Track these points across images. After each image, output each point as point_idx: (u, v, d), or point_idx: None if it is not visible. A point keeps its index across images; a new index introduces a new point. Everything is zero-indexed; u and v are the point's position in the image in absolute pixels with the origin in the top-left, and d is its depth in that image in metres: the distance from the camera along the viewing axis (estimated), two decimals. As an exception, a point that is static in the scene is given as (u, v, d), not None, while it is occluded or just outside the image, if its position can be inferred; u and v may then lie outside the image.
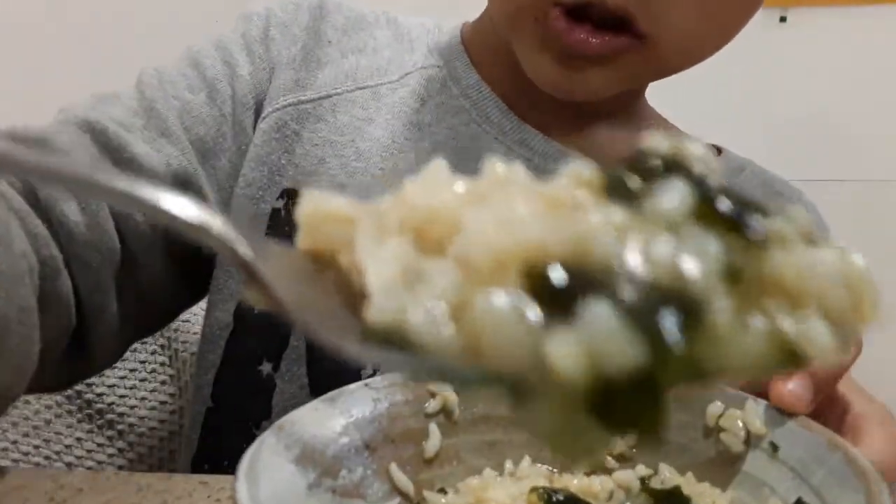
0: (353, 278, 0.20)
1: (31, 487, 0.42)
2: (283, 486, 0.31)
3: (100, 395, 0.83)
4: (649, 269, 0.17)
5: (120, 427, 0.81)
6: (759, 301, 0.18)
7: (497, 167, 0.21)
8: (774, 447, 0.34)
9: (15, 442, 0.74)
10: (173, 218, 0.20)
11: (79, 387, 0.83)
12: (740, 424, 0.35)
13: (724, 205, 0.19)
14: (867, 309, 0.19)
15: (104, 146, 0.53)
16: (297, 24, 0.63)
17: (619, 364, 0.16)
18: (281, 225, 0.58)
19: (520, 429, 0.36)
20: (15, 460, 0.79)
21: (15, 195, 0.46)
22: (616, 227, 0.18)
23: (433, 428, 0.37)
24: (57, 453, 0.81)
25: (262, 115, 0.60)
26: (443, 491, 0.36)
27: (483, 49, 0.62)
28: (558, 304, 0.17)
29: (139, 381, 0.81)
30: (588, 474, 0.36)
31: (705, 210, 0.19)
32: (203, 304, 0.63)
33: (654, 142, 0.21)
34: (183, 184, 0.56)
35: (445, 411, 0.37)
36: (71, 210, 0.49)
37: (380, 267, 0.19)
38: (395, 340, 0.18)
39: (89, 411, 0.83)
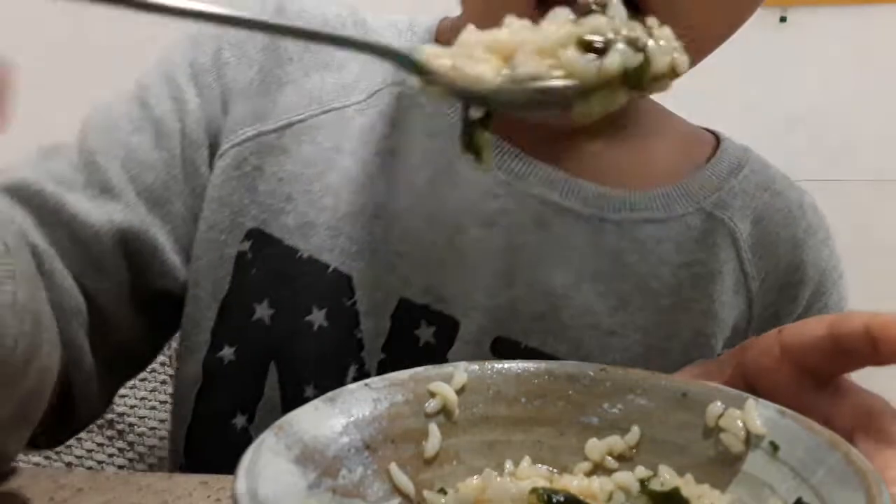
0: None
1: (31, 487, 0.42)
2: (283, 486, 0.31)
3: (100, 394, 0.83)
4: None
5: (120, 427, 0.81)
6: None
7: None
8: (774, 447, 0.34)
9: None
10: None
11: (79, 387, 0.83)
12: (740, 424, 0.35)
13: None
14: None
15: (39, 208, 0.50)
16: (253, 42, 0.57)
17: (630, 63, 0.32)
18: (247, 268, 0.54)
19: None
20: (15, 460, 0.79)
21: None
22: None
23: (433, 428, 0.37)
24: (57, 453, 0.81)
25: (219, 151, 0.55)
26: (443, 491, 0.36)
27: None
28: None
29: (139, 380, 0.81)
30: (588, 475, 0.37)
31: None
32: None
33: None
34: (129, 240, 0.52)
35: (445, 411, 0.37)
36: None
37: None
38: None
39: (89, 411, 0.83)
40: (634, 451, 0.37)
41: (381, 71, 0.57)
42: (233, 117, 0.56)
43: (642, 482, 0.35)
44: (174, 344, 0.70)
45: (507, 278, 0.53)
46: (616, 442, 0.37)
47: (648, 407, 0.38)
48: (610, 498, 0.35)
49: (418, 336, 0.53)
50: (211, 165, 0.56)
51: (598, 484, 0.35)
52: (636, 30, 0.33)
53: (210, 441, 0.55)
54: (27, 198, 0.50)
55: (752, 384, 0.39)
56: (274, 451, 0.32)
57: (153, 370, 0.82)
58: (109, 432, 0.83)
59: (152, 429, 0.81)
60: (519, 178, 0.54)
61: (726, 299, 0.56)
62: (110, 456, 0.82)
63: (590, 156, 0.57)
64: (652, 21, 0.35)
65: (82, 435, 0.81)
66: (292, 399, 0.51)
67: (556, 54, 0.32)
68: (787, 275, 0.58)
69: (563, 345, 0.53)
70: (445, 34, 0.58)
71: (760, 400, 0.36)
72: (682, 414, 0.37)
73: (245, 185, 0.55)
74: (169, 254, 0.54)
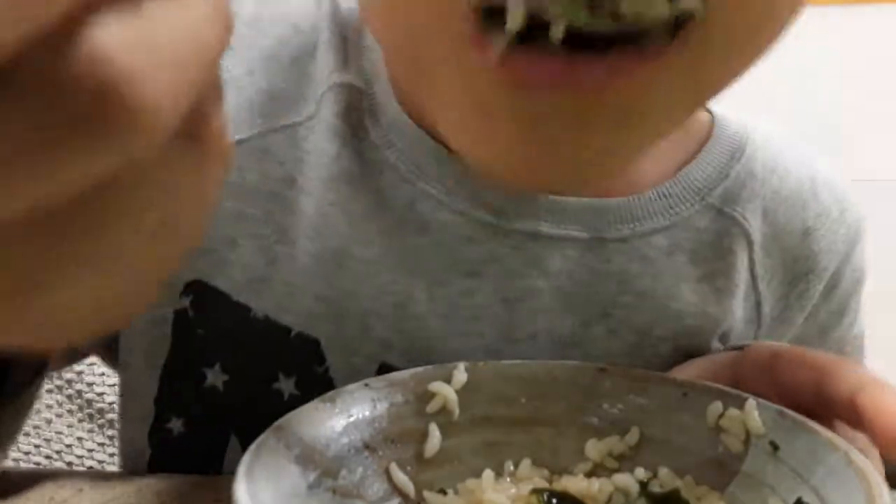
0: None
1: (31, 487, 0.42)
2: (283, 486, 0.31)
3: (100, 394, 0.83)
4: None
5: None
6: None
7: None
8: (774, 447, 0.34)
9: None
10: None
11: (79, 386, 0.83)
12: (740, 424, 0.35)
13: None
14: None
15: None
16: None
17: None
18: (191, 329, 0.45)
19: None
20: (15, 460, 0.79)
21: None
22: None
23: (433, 428, 0.37)
24: (57, 453, 0.81)
25: None
26: (443, 491, 0.36)
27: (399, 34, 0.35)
28: None
29: (139, 380, 0.81)
30: (588, 475, 0.37)
31: None
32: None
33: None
34: None
35: (445, 411, 0.37)
36: None
37: None
38: None
39: (90, 411, 0.83)
40: (634, 451, 0.37)
41: (325, 68, 0.46)
42: None
43: (642, 484, 0.35)
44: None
45: (507, 331, 0.45)
46: (616, 442, 0.37)
47: (648, 407, 0.38)
48: (609, 499, 0.35)
49: None
50: None
51: (598, 486, 0.35)
52: None
53: None
54: None
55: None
56: (274, 452, 0.32)
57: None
58: (110, 432, 0.83)
59: (152, 429, 0.81)
60: (498, 215, 0.45)
61: (737, 311, 0.48)
62: (111, 456, 0.82)
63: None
64: None
65: (83, 435, 0.81)
66: None
67: None
68: (795, 267, 0.50)
69: None
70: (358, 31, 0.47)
71: (760, 400, 0.36)
72: (682, 414, 0.37)
73: None
74: None
